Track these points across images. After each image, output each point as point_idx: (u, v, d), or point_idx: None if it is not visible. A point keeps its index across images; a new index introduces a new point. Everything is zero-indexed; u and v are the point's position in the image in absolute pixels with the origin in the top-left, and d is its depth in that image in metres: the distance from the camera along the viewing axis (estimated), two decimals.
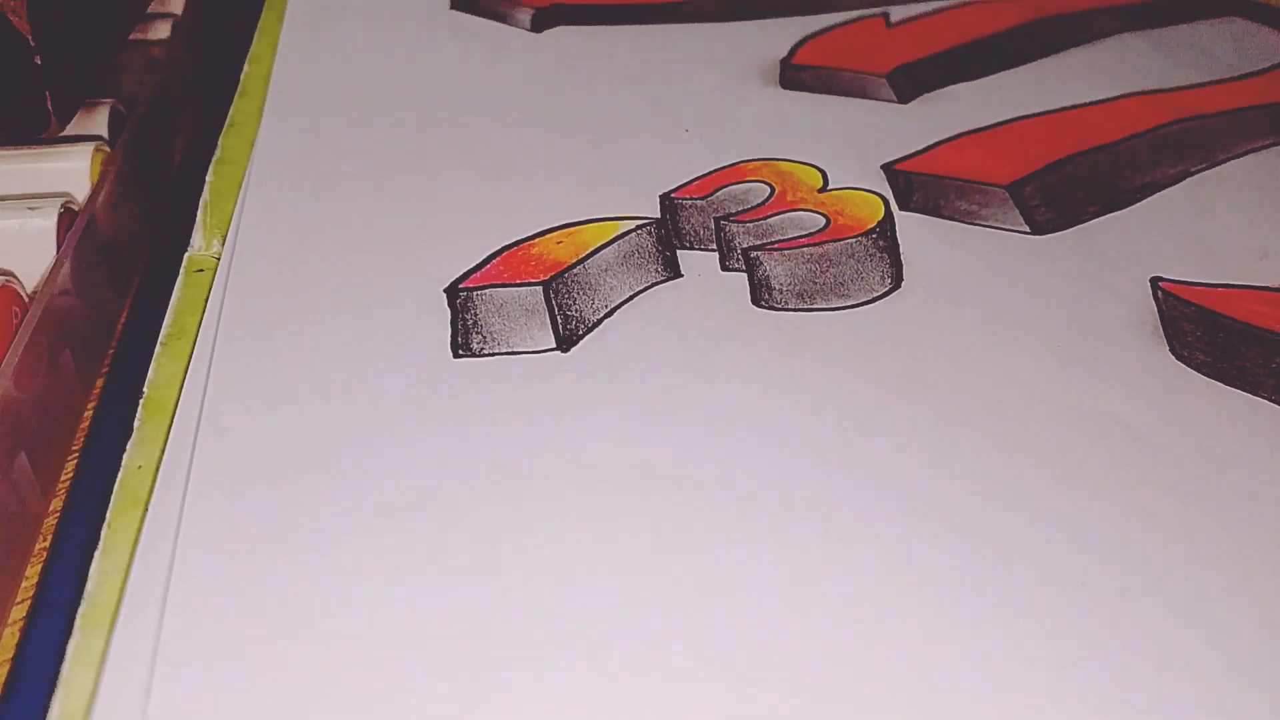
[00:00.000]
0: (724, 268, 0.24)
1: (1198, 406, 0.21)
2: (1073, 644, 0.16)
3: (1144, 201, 0.27)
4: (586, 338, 0.21)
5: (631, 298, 0.23)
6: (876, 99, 0.30)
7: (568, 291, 0.22)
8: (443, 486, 0.18)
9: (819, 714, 0.15)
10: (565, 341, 0.21)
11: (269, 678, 0.15)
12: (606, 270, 0.23)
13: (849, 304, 0.23)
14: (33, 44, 0.24)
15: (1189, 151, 0.29)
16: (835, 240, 0.24)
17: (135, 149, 0.26)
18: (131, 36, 0.30)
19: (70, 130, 0.26)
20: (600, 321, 0.22)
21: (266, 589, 0.16)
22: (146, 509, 0.18)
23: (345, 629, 0.16)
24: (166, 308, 0.22)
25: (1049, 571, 0.17)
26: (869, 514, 0.18)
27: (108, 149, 0.26)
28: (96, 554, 0.17)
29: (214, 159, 0.26)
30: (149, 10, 0.32)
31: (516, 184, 0.26)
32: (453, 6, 0.34)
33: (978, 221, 0.26)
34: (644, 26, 0.33)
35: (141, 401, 0.20)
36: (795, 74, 0.31)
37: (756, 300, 0.23)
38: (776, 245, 0.24)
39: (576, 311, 0.22)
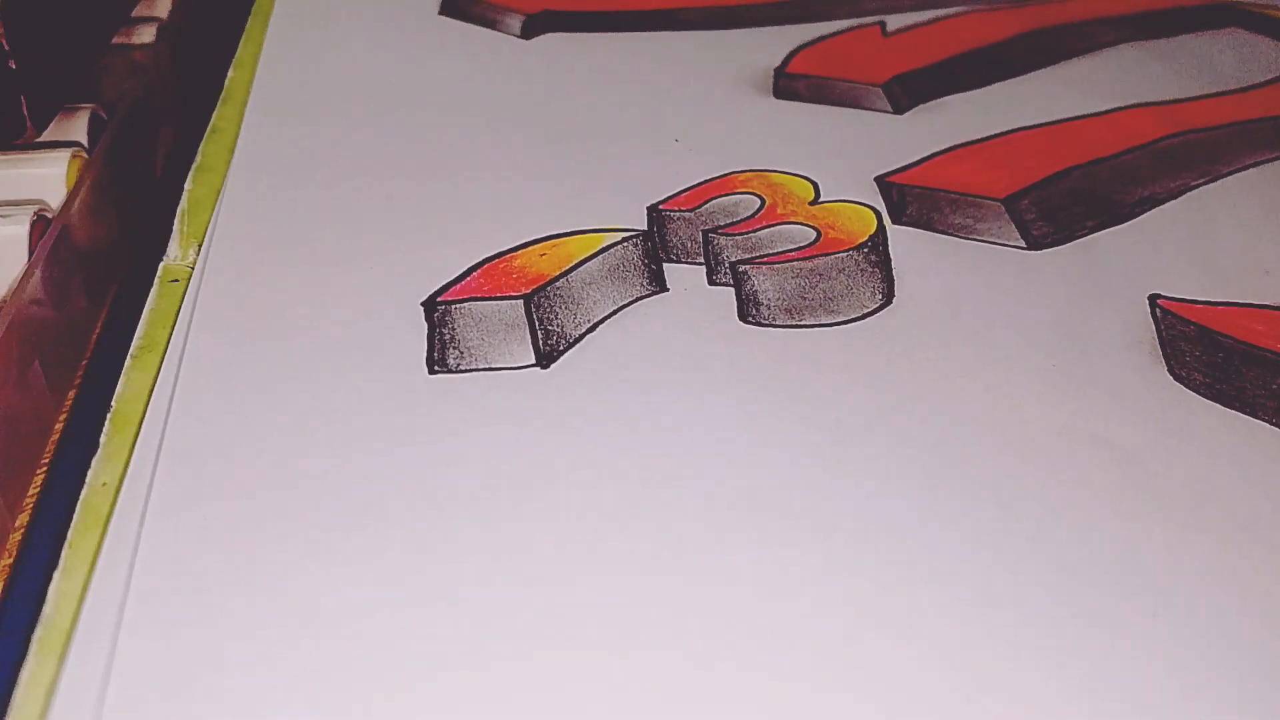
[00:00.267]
0: (711, 282, 0.23)
1: (1196, 429, 0.20)
2: (1066, 673, 0.16)
3: (1143, 216, 0.26)
4: (567, 354, 0.21)
5: (615, 313, 0.22)
6: (871, 109, 0.30)
7: (550, 306, 0.22)
8: (412, 509, 0.18)
9: None
10: (545, 358, 0.21)
11: (223, 709, 0.15)
12: (590, 284, 0.22)
13: (839, 321, 0.22)
14: (7, 48, 0.23)
15: (1189, 165, 0.28)
16: (826, 254, 0.24)
17: (114, 155, 0.26)
18: (115, 40, 0.30)
19: (48, 135, 0.26)
20: (582, 337, 0.21)
21: (225, 616, 0.16)
22: (106, 529, 0.17)
23: (306, 660, 0.15)
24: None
25: (1040, 600, 0.17)
26: (856, 540, 0.18)
27: (85, 155, 0.25)
28: (56, 574, 0.17)
29: (194, 166, 0.26)
30: (134, 14, 0.31)
31: (500, 194, 0.25)
32: (441, 12, 0.33)
33: (972, 236, 0.25)
34: (635, 34, 0.33)
35: (109, 416, 0.20)
36: (788, 83, 0.31)
37: (744, 316, 0.22)
38: (765, 259, 0.23)
39: (558, 326, 0.21)
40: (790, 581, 0.17)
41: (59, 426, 0.22)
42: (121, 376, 0.20)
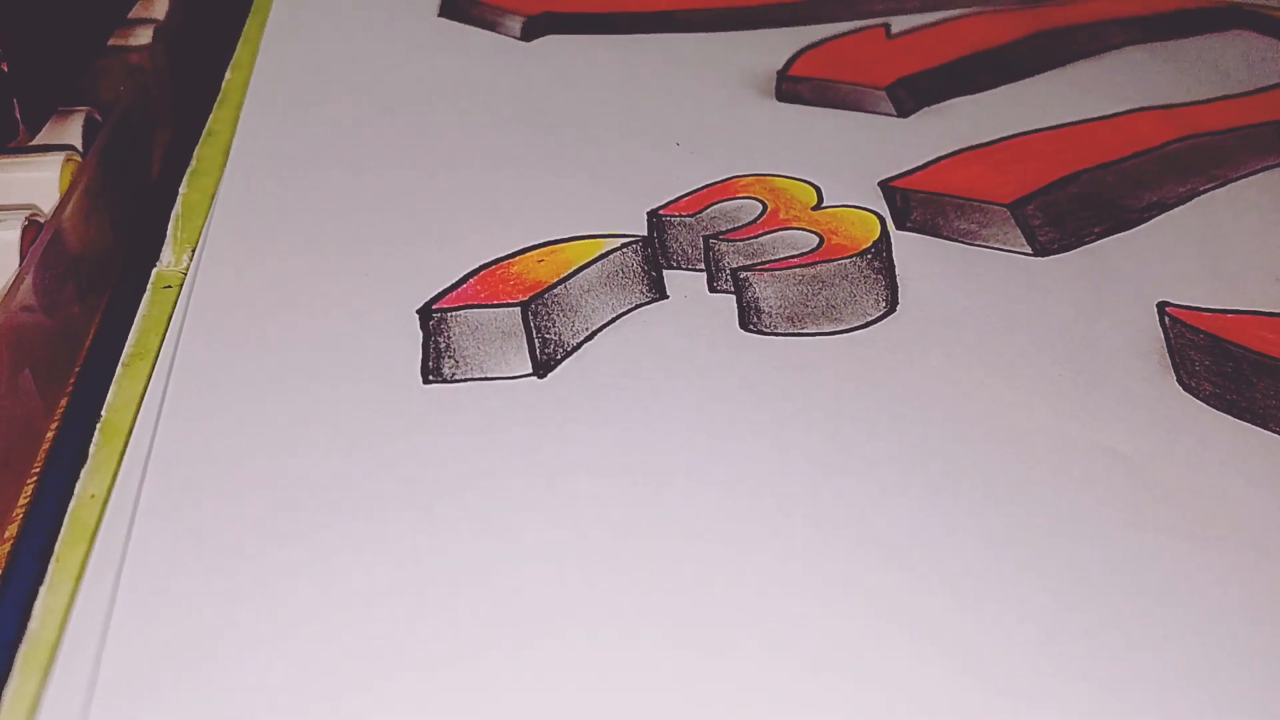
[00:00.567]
0: (712, 289, 0.23)
1: (1205, 440, 0.20)
2: (1074, 684, 0.16)
3: (1151, 221, 0.26)
4: (565, 363, 0.21)
5: (613, 320, 0.22)
6: (875, 112, 0.29)
7: (547, 313, 0.21)
8: (406, 523, 0.17)
9: None
10: (542, 367, 0.20)
11: None
12: (589, 291, 0.22)
13: (841, 328, 0.22)
14: None
15: (1198, 169, 0.28)
16: (828, 261, 0.23)
17: (108, 159, 0.25)
18: (111, 42, 0.30)
19: (42, 139, 0.26)
20: (580, 345, 0.21)
21: (210, 632, 0.15)
22: (93, 542, 0.17)
23: (294, 676, 0.15)
24: None
25: (1047, 611, 0.17)
26: (861, 553, 0.17)
27: (79, 158, 0.25)
28: (42, 589, 0.17)
29: (189, 170, 0.26)
30: (130, 15, 0.31)
31: (498, 199, 0.25)
32: (441, 14, 0.33)
33: (977, 242, 0.25)
34: (635, 36, 0.32)
35: (99, 425, 0.19)
36: (791, 86, 0.30)
37: (745, 324, 0.22)
38: (767, 266, 0.23)
39: (555, 334, 0.21)
40: (793, 594, 0.17)
41: (50, 435, 0.21)
42: (112, 385, 0.20)
